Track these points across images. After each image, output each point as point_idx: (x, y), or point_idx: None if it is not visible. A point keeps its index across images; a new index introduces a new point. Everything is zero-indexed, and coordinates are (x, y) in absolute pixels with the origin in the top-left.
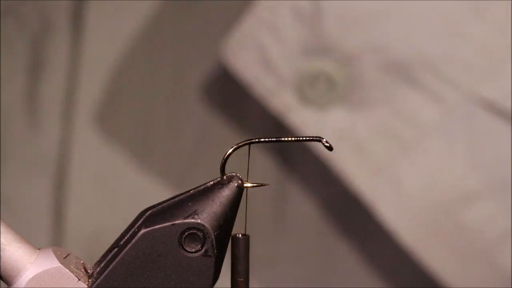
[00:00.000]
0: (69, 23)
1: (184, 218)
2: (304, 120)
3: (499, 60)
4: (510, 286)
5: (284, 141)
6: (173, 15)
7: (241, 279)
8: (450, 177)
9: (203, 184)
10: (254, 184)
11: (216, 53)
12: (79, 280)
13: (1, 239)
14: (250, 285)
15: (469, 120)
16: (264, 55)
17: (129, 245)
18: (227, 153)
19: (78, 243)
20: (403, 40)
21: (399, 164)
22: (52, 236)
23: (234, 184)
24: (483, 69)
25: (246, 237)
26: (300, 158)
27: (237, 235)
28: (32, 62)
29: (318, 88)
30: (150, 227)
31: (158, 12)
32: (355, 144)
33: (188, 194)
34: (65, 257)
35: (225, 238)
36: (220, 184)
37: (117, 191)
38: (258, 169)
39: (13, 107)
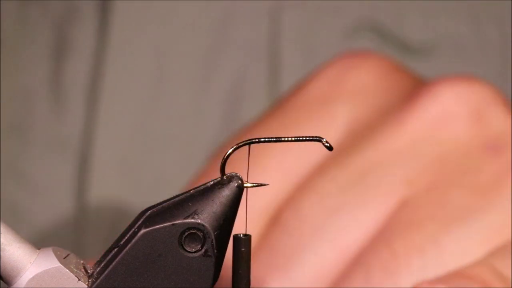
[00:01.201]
0: (96, 6)
1: (184, 218)
2: None
3: None
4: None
5: (284, 141)
6: None
7: (244, 279)
8: None
9: (203, 184)
10: (254, 184)
11: None
12: (79, 280)
13: (1, 239)
14: None
15: None
16: None
17: (129, 245)
18: (227, 153)
19: (101, 224)
20: None
21: None
22: (74, 217)
23: (234, 184)
24: None
25: (247, 237)
26: None
27: (239, 235)
28: (57, 44)
29: None
30: (150, 227)
31: None
32: None
33: (188, 194)
34: (65, 257)
35: (225, 238)
36: (220, 184)
37: (140, 174)
38: None
39: (38, 89)
